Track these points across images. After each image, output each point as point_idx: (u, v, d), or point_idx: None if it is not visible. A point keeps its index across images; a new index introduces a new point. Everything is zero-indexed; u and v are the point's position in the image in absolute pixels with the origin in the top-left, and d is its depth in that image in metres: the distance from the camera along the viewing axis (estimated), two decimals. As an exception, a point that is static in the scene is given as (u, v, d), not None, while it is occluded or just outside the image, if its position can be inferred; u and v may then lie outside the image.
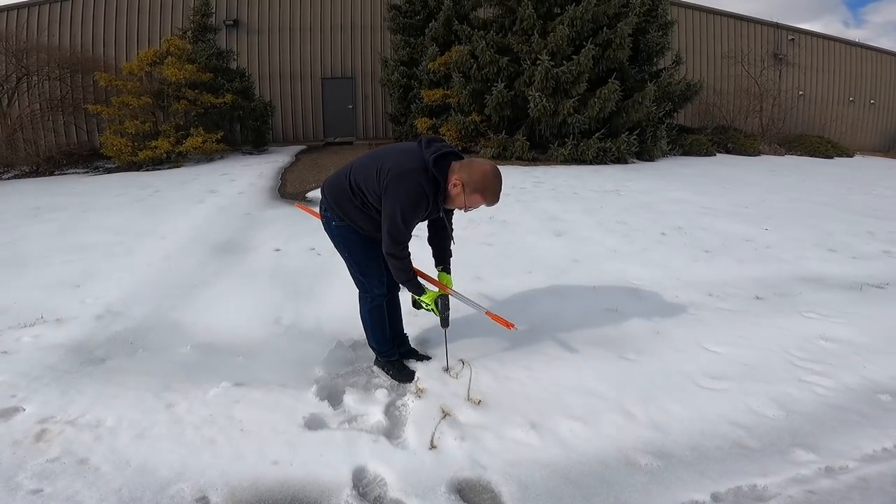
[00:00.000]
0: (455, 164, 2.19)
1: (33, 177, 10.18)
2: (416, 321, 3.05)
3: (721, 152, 13.05)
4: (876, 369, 2.71)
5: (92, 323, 3.14)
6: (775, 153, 14.16)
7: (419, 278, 2.44)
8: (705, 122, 15.83)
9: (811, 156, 14.52)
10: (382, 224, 2.22)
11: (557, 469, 1.95)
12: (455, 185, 2.17)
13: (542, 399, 2.36)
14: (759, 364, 2.73)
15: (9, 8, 14.04)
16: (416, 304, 2.53)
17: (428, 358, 2.73)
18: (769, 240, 5.21)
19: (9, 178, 10.26)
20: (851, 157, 15.78)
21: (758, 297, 3.70)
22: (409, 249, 2.31)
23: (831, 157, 14.78)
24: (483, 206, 2.26)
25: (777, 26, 18.35)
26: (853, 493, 1.83)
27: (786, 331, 3.12)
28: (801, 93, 18.54)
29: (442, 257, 2.55)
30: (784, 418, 2.28)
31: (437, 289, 2.50)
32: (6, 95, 12.40)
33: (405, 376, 2.56)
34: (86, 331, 3.03)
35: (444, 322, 2.51)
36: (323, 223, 2.47)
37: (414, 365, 2.67)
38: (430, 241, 2.55)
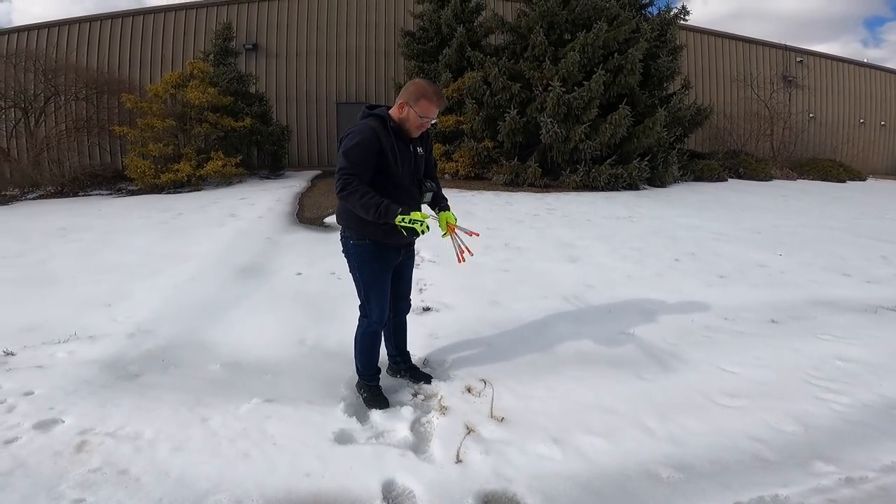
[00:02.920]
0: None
1: (58, 197, 10.46)
2: (421, 342, 3.16)
3: (732, 177, 13.12)
4: (891, 387, 2.75)
5: (124, 340, 3.25)
6: (787, 177, 14.21)
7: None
8: (716, 146, 15.94)
9: (823, 180, 14.54)
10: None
11: (580, 481, 2.01)
12: (401, 108, 2.34)
13: (562, 416, 2.43)
14: (775, 383, 2.78)
15: (39, 27, 14.43)
16: (412, 231, 2.20)
17: (429, 377, 2.81)
18: (783, 265, 5.25)
19: (34, 199, 10.55)
20: (864, 180, 15.77)
21: (773, 321, 3.74)
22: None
23: (843, 181, 14.78)
24: (434, 111, 2.35)
25: (786, 48, 18.56)
26: (874, 501, 1.89)
27: (801, 352, 3.16)
28: (811, 115, 18.63)
29: (437, 201, 2.57)
30: (802, 433, 2.33)
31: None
32: (34, 116, 12.78)
33: (378, 403, 2.56)
34: (119, 348, 3.15)
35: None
36: (342, 244, 2.54)
37: (416, 386, 2.75)
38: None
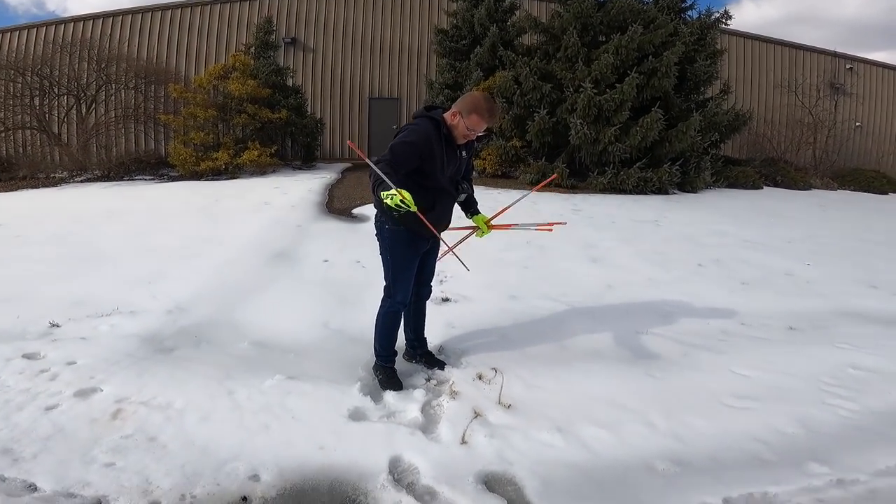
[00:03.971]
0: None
1: (104, 181, 10.98)
2: (438, 331, 3.28)
3: (769, 185, 12.80)
4: None
5: (163, 317, 3.48)
6: (827, 187, 13.77)
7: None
8: (754, 153, 15.53)
9: (865, 191, 14.04)
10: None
11: (580, 469, 2.09)
12: (454, 116, 2.46)
13: (569, 407, 2.51)
14: (785, 388, 2.79)
15: (94, 17, 14.99)
16: (392, 208, 2.16)
17: (443, 364, 2.93)
18: (811, 275, 5.17)
19: (81, 181, 11.10)
20: (909, 193, 15.16)
21: (791, 328, 3.73)
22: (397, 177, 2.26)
23: (886, 194, 14.25)
24: (483, 126, 2.48)
25: (835, 55, 17.91)
26: (862, 503, 1.92)
27: (816, 359, 3.15)
28: (857, 124, 17.94)
29: (469, 205, 2.77)
30: (804, 436, 2.36)
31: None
32: (86, 103, 13.39)
33: (393, 385, 2.68)
34: (157, 323, 3.37)
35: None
36: (376, 229, 2.67)
37: (430, 372, 2.89)
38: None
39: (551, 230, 2.99)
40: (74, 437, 2.17)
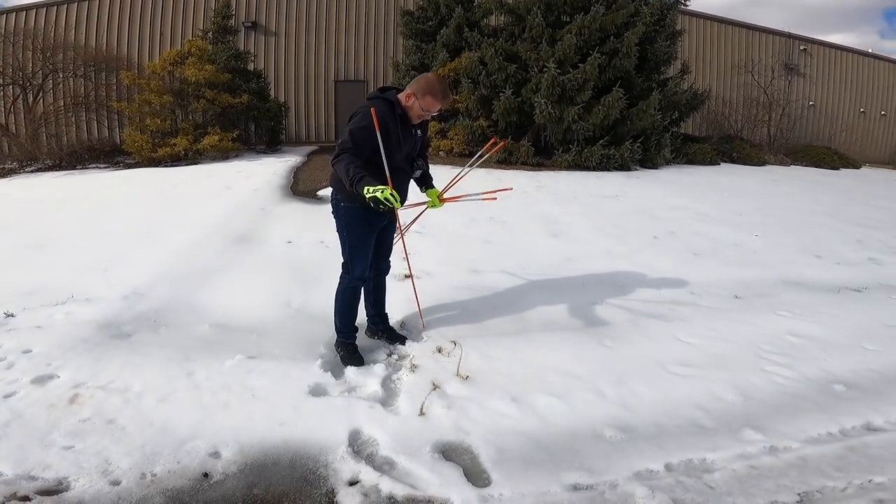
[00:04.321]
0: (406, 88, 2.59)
1: (56, 170, 10.58)
2: (399, 307, 3.35)
3: (726, 161, 13.19)
4: (836, 363, 2.88)
5: (119, 303, 3.43)
6: (781, 163, 14.27)
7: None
8: (712, 131, 15.98)
9: (817, 166, 14.60)
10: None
11: (532, 437, 2.19)
12: (409, 97, 2.54)
13: (523, 377, 2.61)
14: (726, 355, 2.93)
15: (38, 6, 14.46)
16: (377, 203, 2.30)
17: (404, 339, 3.01)
18: (757, 245, 5.41)
19: (32, 171, 10.67)
20: (858, 168, 15.84)
21: (737, 297, 3.91)
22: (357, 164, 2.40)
23: (837, 169, 14.85)
24: (437, 107, 2.57)
25: (789, 36, 18.47)
26: (791, 471, 2.02)
27: (757, 326, 3.32)
28: (811, 103, 18.62)
29: (424, 181, 2.88)
30: (741, 403, 2.48)
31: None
32: (32, 92, 12.88)
33: (355, 361, 2.74)
34: (113, 309, 3.32)
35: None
36: (332, 204, 2.72)
37: (391, 347, 2.96)
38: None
39: (495, 199, 3.13)
40: (33, 423, 2.17)
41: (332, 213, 2.74)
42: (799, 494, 1.90)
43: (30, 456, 1.98)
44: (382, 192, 2.26)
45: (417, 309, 3.21)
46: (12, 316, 3.23)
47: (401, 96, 2.57)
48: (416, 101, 2.53)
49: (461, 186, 2.99)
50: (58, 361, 2.65)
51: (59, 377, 2.52)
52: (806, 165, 14.65)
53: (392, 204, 2.28)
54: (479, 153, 3.28)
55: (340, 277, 2.80)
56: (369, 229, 2.70)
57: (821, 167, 14.64)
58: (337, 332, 2.84)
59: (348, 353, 2.79)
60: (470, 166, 3.21)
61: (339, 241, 2.77)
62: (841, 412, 2.42)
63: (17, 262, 4.30)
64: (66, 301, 3.47)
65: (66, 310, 3.33)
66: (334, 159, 2.46)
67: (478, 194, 3.17)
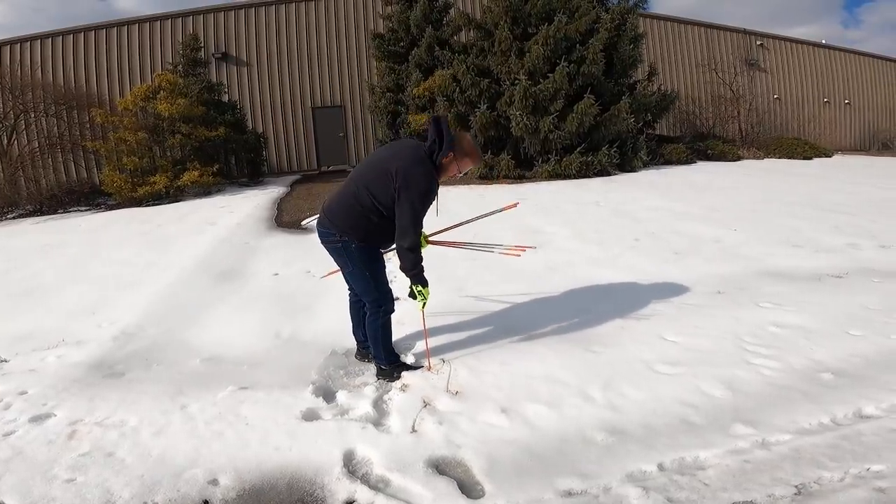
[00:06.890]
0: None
1: (37, 216, 10.52)
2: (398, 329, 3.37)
3: (701, 159, 13.45)
4: (822, 351, 2.88)
5: (110, 343, 3.45)
6: (754, 157, 14.58)
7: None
8: (685, 130, 16.33)
9: (790, 158, 14.93)
10: (400, 220, 2.51)
11: (522, 445, 2.21)
12: (449, 158, 2.57)
13: (512, 388, 2.65)
14: (711, 350, 2.96)
15: (2, 43, 14.26)
16: (413, 294, 2.72)
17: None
18: (737, 239, 5.52)
19: (13, 218, 10.59)
20: (831, 157, 16.20)
21: (719, 292, 3.98)
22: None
23: (811, 159, 15.18)
24: (470, 168, 2.68)
25: (745, 32, 19.05)
26: (785, 463, 2.01)
27: (740, 320, 3.37)
28: (775, 96, 19.15)
29: None
30: (730, 397, 2.47)
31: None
32: (5, 134, 12.75)
33: (410, 368, 2.90)
34: (105, 350, 3.35)
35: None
36: (339, 248, 2.67)
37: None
38: None
39: (519, 256, 3.24)
40: (34, 459, 2.23)
41: (339, 255, 2.71)
42: (796, 486, 1.89)
43: (34, 489, 2.03)
44: (425, 293, 2.65)
45: (408, 333, 3.26)
46: (6, 361, 3.30)
47: (442, 157, 2.54)
48: (456, 163, 2.57)
49: (454, 233, 3.07)
50: (53, 401, 2.71)
51: (55, 415, 2.58)
52: (780, 157, 14.98)
53: (424, 301, 2.65)
54: (490, 212, 3.43)
55: (372, 314, 2.78)
56: (383, 262, 2.80)
57: (794, 158, 14.97)
58: (388, 363, 2.85)
59: (402, 368, 2.87)
60: (469, 221, 3.31)
61: (350, 280, 2.85)
62: (831, 401, 2.40)
63: (6, 310, 4.34)
64: (57, 345, 3.51)
65: (57, 353, 3.37)
66: (410, 248, 2.53)
67: (492, 245, 3.38)
